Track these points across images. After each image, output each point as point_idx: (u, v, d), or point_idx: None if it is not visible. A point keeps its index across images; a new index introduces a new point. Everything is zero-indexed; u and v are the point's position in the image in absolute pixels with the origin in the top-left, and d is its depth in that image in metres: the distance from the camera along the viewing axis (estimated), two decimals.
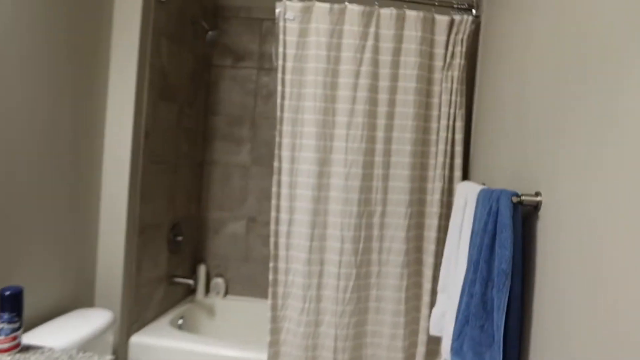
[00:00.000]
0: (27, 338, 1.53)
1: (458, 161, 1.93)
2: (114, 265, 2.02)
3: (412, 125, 1.92)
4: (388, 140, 1.93)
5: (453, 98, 1.93)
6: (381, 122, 1.93)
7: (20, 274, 1.59)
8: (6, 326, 1.13)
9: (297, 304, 1.95)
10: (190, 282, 2.62)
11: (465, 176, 1.99)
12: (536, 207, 1.14)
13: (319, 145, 1.92)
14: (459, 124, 1.93)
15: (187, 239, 2.75)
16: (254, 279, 2.91)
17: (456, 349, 1.25)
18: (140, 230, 2.15)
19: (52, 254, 1.75)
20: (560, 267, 0.99)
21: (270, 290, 1.96)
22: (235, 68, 2.89)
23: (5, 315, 1.13)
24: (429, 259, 1.94)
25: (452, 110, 1.93)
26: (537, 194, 1.14)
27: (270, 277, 1.95)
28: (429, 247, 1.94)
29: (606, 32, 0.87)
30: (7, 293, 1.13)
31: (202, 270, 2.85)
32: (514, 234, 1.12)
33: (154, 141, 2.23)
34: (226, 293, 2.92)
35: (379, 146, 1.93)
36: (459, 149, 1.93)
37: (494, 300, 1.14)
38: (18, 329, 1.15)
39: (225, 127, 2.90)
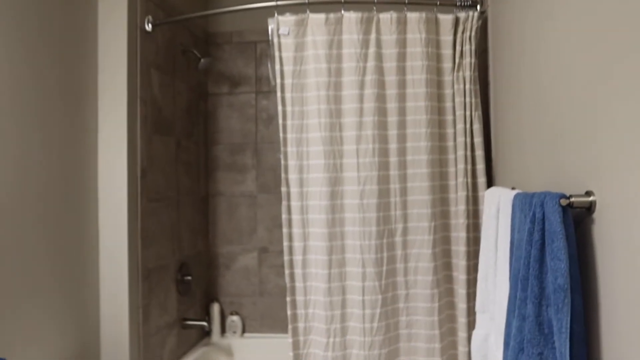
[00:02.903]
0: None
1: (480, 166, 1.78)
2: (119, 315, 1.86)
3: (427, 133, 1.77)
4: (402, 152, 1.78)
5: (467, 100, 1.78)
6: (393, 132, 1.78)
7: (9, 339, 1.44)
8: None
9: (321, 339, 1.77)
10: (204, 323, 2.45)
11: (490, 182, 1.82)
12: (589, 208, 0.98)
13: (328, 164, 1.77)
14: (477, 127, 1.78)
15: (196, 278, 2.59)
16: (272, 313, 2.73)
17: None
18: (144, 274, 1.99)
19: (47, 310, 1.60)
20: (629, 279, 0.83)
21: (290, 326, 1.79)
22: (233, 94, 2.77)
23: None
24: (460, 276, 1.77)
25: (467, 113, 1.78)
26: (589, 193, 0.98)
27: (289, 312, 1.79)
28: (460, 262, 1.77)
29: None
30: None
31: (215, 309, 2.68)
32: (567, 242, 0.95)
33: (151, 178, 2.09)
34: (243, 331, 2.74)
35: (393, 159, 1.78)
36: (479, 153, 1.78)
37: (553, 322, 0.97)
38: None
39: (227, 156, 2.77)
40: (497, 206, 1.36)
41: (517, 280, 1.10)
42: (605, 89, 0.91)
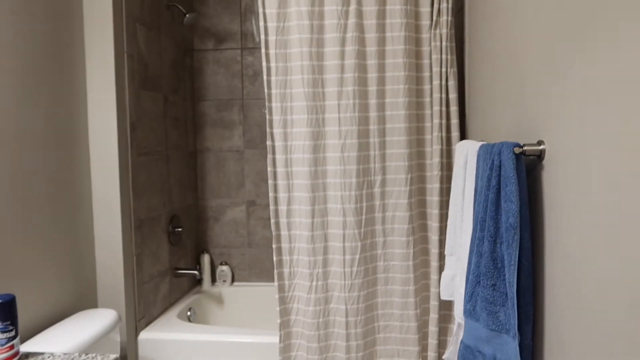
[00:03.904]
0: (29, 346, 1.50)
1: (454, 121, 1.87)
2: (113, 262, 1.98)
3: (404, 89, 1.85)
4: (381, 107, 1.87)
5: (443, 57, 1.85)
6: (372, 88, 1.86)
7: (12, 282, 1.55)
8: (1, 336, 1.09)
9: (305, 282, 1.91)
10: (195, 272, 2.59)
11: (463, 136, 1.93)
12: (540, 156, 1.08)
13: (310, 118, 1.85)
14: (452, 83, 1.86)
15: (187, 230, 2.71)
16: (259, 263, 2.87)
17: (469, 311, 1.21)
18: (136, 225, 2.10)
19: (46, 257, 1.71)
20: (569, 218, 0.94)
21: (276, 271, 1.91)
22: (218, 50, 2.81)
23: None
24: (434, 224, 1.89)
25: (443, 70, 1.86)
26: (540, 142, 1.08)
27: (275, 258, 1.91)
28: (433, 212, 1.89)
29: None
30: None
31: (205, 259, 2.81)
32: (519, 186, 1.06)
33: (141, 133, 2.17)
34: (233, 280, 2.89)
35: (373, 114, 1.86)
36: (454, 108, 1.87)
37: (504, 257, 1.09)
38: (14, 337, 1.11)
39: (214, 112, 2.84)
40: (465, 157, 1.47)
41: (477, 223, 1.22)
42: (557, 49, 1.00)
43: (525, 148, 1.07)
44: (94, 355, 1.11)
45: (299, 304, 1.93)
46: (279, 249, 1.92)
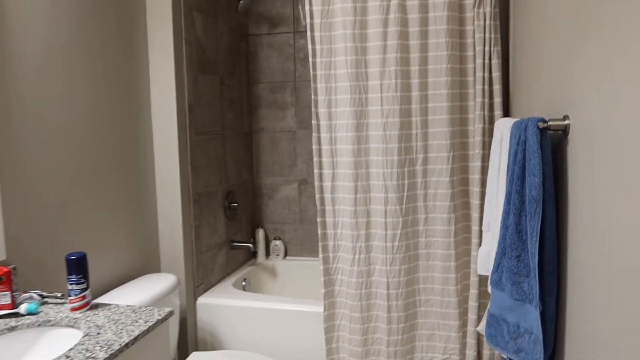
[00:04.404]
0: (100, 300, 1.69)
1: (497, 100, 1.88)
2: (174, 233, 2.16)
3: (447, 68, 1.88)
4: (423, 87, 1.91)
5: (487, 35, 1.86)
6: (414, 68, 1.90)
7: (90, 248, 1.75)
8: (75, 287, 1.26)
9: (348, 255, 2.00)
10: (250, 245, 2.74)
11: (507, 115, 1.93)
12: (565, 131, 1.10)
13: (354, 98, 1.93)
14: (495, 62, 1.86)
15: (242, 206, 2.87)
16: (311, 239, 3.00)
17: (495, 281, 1.26)
18: (194, 199, 2.27)
19: (117, 227, 1.90)
20: (592, 192, 0.97)
21: (320, 244, 2.02)
22: (272, 35, 2.92)
23: (73, 278, 1.26)
24: (475, 202, 1.92)
25: (487, 48, 1.86)
26: (565, 117, 1.10)
27: (319, 231, 2.02)
28: (475, 189, 1.92)
29: None
30: (73, 257, 1.26)
31: (260, 234, 2.97)
32: (542, 160, 1.10)
33: (198, 114, 2.33)
34: (285, 254, 3.03)
35: (415, 93, 1.91)
36: (497, 87, 1.87)
37: (527, 229, 1.13)
38: (86, 289, 1.28)
39: (268, 94, 2.96)
40: (501, 135, 1.49)
41: (505, 196, 1.26)
42: (583, 30, 1.02)
43: (550, 123, 1.10)
44: (151, 307, 1.27)
45: (343, 275, 2.03)
46: (324, 223, 2.02)
